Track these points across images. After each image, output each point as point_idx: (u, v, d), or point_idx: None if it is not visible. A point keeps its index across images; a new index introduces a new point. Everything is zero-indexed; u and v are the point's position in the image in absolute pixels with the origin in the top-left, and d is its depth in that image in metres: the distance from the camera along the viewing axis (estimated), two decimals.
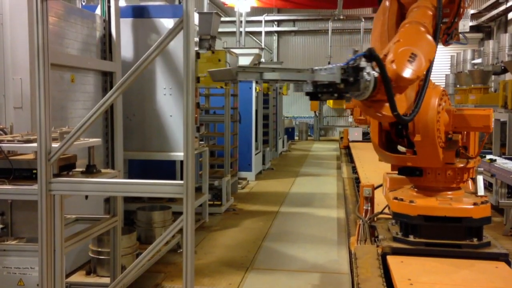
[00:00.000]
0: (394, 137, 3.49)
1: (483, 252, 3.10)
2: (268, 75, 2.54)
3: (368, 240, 3.75)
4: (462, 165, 3.25)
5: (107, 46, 5.37)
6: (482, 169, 3.43)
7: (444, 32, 3.35)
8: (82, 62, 4.89)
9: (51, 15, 4.30)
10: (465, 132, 3.35)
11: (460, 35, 3.51)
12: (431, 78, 3.22)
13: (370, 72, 2.54)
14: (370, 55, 2.53)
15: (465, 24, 3.34)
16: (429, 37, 2.88)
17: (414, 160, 3.29)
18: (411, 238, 3.19)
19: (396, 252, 3.15)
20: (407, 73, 2.60)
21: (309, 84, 2.55)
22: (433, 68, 3.00)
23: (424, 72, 2.72)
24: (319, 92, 2.56)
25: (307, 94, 2.61)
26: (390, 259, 3.08)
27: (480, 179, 3.35)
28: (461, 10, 3.27)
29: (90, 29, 5.14)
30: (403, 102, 2.77)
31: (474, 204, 3.15)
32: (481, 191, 3.32)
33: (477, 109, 3.28)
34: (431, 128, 3.10)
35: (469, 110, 3.26)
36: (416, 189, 3.43)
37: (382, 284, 2.76)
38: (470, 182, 3.49)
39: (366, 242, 3.74)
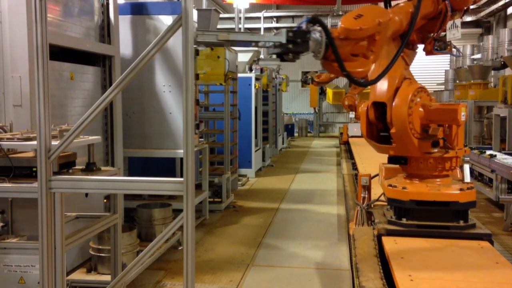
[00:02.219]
0: (381, 129, 3.82)
1: (469, 233, 3.41)
2: (222, 36, 3.04)
3: (366, 224, 4.08)
4: (440, 154, 3.55)
5: (106, 30, 5.34)
6: (468, 158, 3.77)
7: (429, 39, 3.77)
8: (81, 44, 4.85)
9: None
10: (447, 125, 3.61)
11: (454, 49, 3.84)
12: (413, 75, 3.71)
13: (323, 35, 2.96)
14: (313, 19, 2.98)
15: (454, 34, 3.60)
16: (382, 8, 3.32)
17: (394, 149, 3.67)
18: (404, 220, 3.51)
19: (391, 233, 3.47)
20: (351, 24, 3.06)
21: (273, 47, 3.03)
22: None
23: (367, 25, 3.11)
24: (278, 52, 3.02)
25: (277, 55, 3.08)
26: (385, 239, 3.37)
27: (466, 167, 3.70)
28: (444, 24, 3.63)
29: (88, 13, 5.11)
30: (363, 65, 3.23)
31: (461, 189, 3.46)
32: (467, 178, 3.67)
33: (448, 104, 3.58)
34: (403, 121, 3.46)
35: (441, 105, 3.54)
36: (408, 177, 3.74)
37: (378, 263, 3.04)
38: (458, 170, 3.78)
39: (363, 226, 4.06)
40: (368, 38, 3.18)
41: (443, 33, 3.71)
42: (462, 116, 3.41)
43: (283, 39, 2.93)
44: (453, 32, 3.57)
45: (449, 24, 3.59)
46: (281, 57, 3.05)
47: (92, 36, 5.19)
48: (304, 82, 12.05)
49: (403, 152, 3.65)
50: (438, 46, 3.70)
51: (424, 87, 3.65)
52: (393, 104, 3.52)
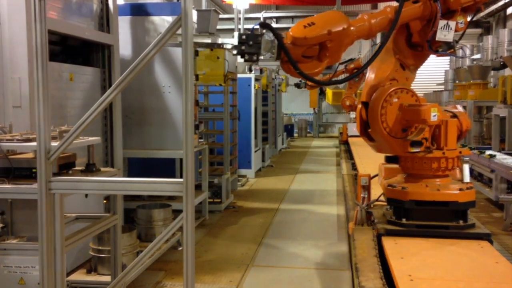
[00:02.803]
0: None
1: (468, 233, 3.43)
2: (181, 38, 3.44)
3: (365, 225, 4.10)
4: (423, 155, 3.61)
5: (105, 20, 5.31)
6: (468, 158, 3.76)
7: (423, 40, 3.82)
8: (80, 31, 4.80)
9: None
10: (434, 126, 3.65)
11: (460, 50, 3.90)
12: (410, 76, 3.82)
13: (274, 38, 3.22)
14: (263, 24, 3.24)
15: (445, 35, 3.62)
16: (341, 15, 3.43)
17: (377, 147, 3.82)
18: (403, 220, 3.53)
19: (390, 233, 3.49)
20: (297, 33, 3.25)
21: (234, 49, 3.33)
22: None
23: (314, 34, 3.25)
24: (237, 53, 3.32)
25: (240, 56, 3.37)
26: (385, 239, 3.39)
27: (466, 167, 3.69)
28: (435, 25, 3.66)
29: (87, 2, 5.08)
30: (316, 67, 3.42)
31: (460, 189, 3.49)
32: (466, 178, 3.65)
33: (420, 104, 3.60)
34: (376, 121, 3.60)
35: (415, 106, 3.58)
36: (407, 177, 3.77)
37: (377, 263, 3.05)
38: (457, 170, 3.79)
39: (363, 226, 4.09)
40: (319, 44, 3.30)
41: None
42: (433, 116, 3.43)
43: (235, 42, 3.25)
44: (444, 33, 3.60)
45: (441, 23, 3.60)
46: (243, 57, 3.32)
47: (91, 25, 5.17)
48: (297, 86, 12.14)
49: (385, 151, 3.78)
50: (440, 47, 3.72)
51: (407, 88, 3.70)
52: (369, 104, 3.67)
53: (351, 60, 7.85)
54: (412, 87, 3.79)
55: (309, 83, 11.78)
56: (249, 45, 3.22)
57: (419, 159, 3.64)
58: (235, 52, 3.27)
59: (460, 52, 3.92)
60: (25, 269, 3.32)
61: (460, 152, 3.62)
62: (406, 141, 3.60)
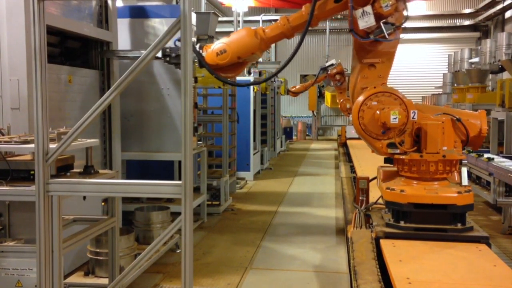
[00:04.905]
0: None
1: (466, 236, 3.46)
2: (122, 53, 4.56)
3: (364, 227, 4.12)
4: (398, 157, 3.74)
5: (104, 17, 5.30)
6: (466, 161, 3.69)
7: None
8: (78, 27, 4.80)
9: None
10: (414, 128, 3.75)
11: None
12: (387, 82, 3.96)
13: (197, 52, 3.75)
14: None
15: (367, 21, 3.69)
16: (251, 37, 3.83)
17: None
18: (401, 223, 3.56)
19: (388, 236, 3.50)
20: (211, 61, 3.79)
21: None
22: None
23: (225, 61, 3.79)
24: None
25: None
26: (383, 242, 3.40)
27: (464, 170, 3.72)
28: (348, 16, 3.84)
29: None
30: (240, 68, 4.03)
31: (458, 192, 3.51)
32: (465, 181, 3.68)
33: (388, 109, 3.72)
34: (355, 123, 3.80)
35: (386, 110, 3.71)
36: (406, 180, 3.80)
37: (375, 266, 3.07)
38: (456, 173, 3.83)
39: (361, 229, 4.10)
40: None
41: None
42: (393, 119, 3.60)
43: (160, 55, 3.69)
44: (365, 20, 3.63)
45: (358, 13, 3.63)
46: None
47: (90, 23, 5.16)
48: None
49: (373, 151, 3.92)
50: (372, 33, 3.76)
51: (389, 91, 3.77)
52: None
53: (332, 65, 7.83)
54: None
55: (292, 90, 12.34)
56: (173, 57, 3.70)
57: (402, 162, 3.73)
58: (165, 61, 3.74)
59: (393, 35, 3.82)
60: (23, 271, 3.31)
61: (444, 156, 3.61)
62: (383, 142, 3.76)
